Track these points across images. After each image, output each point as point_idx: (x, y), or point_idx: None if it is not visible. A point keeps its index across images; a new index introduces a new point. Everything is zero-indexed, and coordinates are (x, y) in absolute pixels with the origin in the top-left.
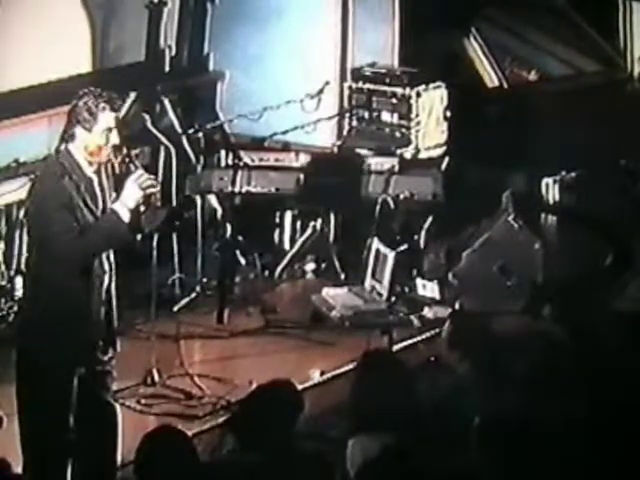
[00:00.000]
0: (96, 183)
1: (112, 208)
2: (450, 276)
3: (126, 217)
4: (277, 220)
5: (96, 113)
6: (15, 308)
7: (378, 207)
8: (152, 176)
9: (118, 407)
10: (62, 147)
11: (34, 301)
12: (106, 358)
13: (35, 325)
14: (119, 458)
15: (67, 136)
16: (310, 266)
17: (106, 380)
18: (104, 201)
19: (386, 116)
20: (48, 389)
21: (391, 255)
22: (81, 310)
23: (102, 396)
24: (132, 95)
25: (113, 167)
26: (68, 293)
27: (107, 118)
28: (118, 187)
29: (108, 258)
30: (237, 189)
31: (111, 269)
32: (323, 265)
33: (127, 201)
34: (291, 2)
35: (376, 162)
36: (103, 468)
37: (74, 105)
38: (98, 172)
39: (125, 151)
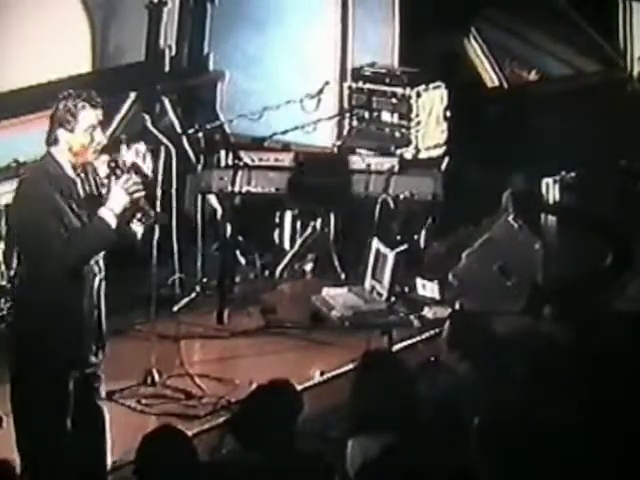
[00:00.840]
0: (80, 186)
1: (99, 214)
2: (450, 276)
3: (113, 222)
4: (277, 220)
5: (76, 113)
6: None
7: (378, 207)
8: (138, 180)
9: (106, 410)
10: (46, 152)
11: (26, 305)
12: (96, 361)
13: (28, 328)
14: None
15: (51, 140)
16: (310, 266)
17: (95, 383)
18: (89, 204)
19: (386, 116)
20: (42, 392)
21: (391, 255)
22: (73, 314)
23: (92, 399)
24: (132, 95)
25: (96, 169)
26: (59, 297)
27: (88, 116)
28: (103, 190)
29: (97, 261)
30: (237, 189)
31: (100, 271)
32: (323, 265)
33: (113, 206)
34: (291, 2)
35: (376, 162)
36: (94, 471)
37: (55, 109)
38: (82, 175)
39: (111, 155)
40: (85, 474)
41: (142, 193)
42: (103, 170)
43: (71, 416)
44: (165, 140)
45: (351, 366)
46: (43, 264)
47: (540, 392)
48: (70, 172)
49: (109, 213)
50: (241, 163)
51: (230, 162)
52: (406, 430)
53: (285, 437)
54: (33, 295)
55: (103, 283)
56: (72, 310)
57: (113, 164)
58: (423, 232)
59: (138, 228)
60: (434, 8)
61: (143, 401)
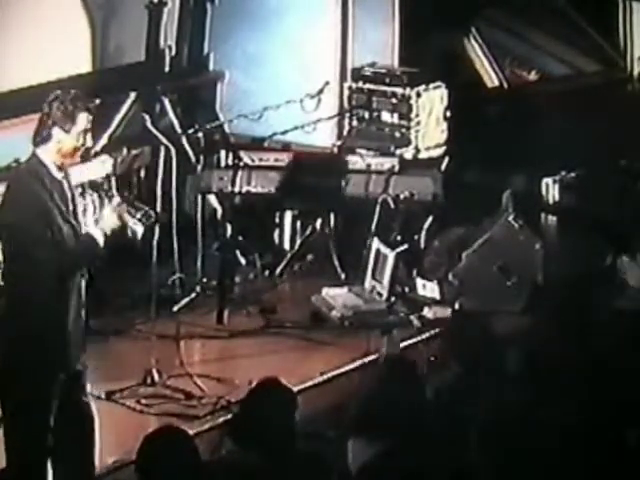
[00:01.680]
0: (66, 187)
1: (90, 234)
2: (450, 276)
3: (102, 241)
4: (277, 220)
5: (75, 114)
6: None
7: (378, 207)
8: (126, 205)
9: (94, 406)
10: (31, 154)
11: (13, 308)
12: (82, 359)
13: (15, 331)
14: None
15: (40, 138)
16: (310, 266)
17: (82, 380)
18: (74, 205)
19: (386, 116)
20: (32, 393)
21: (391, 255)
22: (60, 317)
23: (79, 396)
24: (132, 95)
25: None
26: (45, 300)
27: (84, 119)
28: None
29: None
30: (237, 189)
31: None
32: (323, 265)
33: (105, 227)
34: (291, 2)
35: (376, 162)
36: (84, 469)
37: (49, 107)
38: (66, 176)
39: (110, 155)
40: (75, 472)
41: (130, 219)
42: (76, 174)
43: (59, 415)
44: (165, 140)
45: (351, 366)
46: (28, 272)
47: (540, 392)
48: (56, 174)
49: (99, 232)
50: (241, 163)
51: (230, 162)
52: (410, 432)
53: (282, 436)
54: (18, 299)
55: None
56: (57, 314)
57: (107, 187)
58: (423, 232)
59: (138, 228)
60: (434, 8)
61: (143, 401)
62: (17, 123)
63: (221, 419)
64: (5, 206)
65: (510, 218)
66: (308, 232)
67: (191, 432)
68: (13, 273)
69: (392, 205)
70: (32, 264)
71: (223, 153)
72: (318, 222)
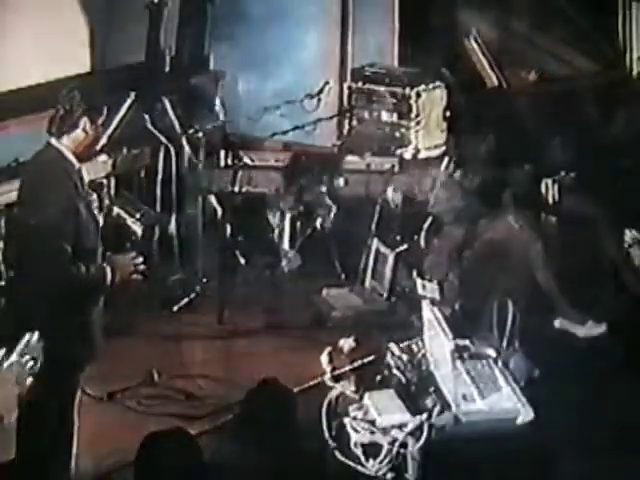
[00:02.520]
0: (85, 179)
1: (103, 267)
2: (450, 276)
3: (108, 280)
4: (277, 220)
5: (103, 106)
6: None
7: (378, 207)
8: (141, 260)
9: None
10: (47, 145)
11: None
12: None
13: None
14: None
15: (64, 129)
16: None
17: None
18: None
19: (386, 116)
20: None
21: (391, 255)
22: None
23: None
24: (132, 95)
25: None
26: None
27: (106, 112)
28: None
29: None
30: (237, 189)
31: None
32: (323, 265)
33: (115, 273)
34: (291, 2)
35: (376, 162)
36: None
37: (71, 97)
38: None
39: (110, 156)
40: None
41: (139, 276)
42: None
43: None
44: (165, 140)
45: (351, 366)
46: (33, 276)
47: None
48: (77, 165)
49: (109, 270)
50: (241, 163)
51: (230, 162)
52: None
53: (283, 436)
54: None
55: None
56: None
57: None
58: (423, 232)
59: (138, 228)
60: (434, 8)
61: (143, 402)
62: (17, 123)
63: (221, 420)
64: (27, 204)
65: (510, 218)
66: (308, 232)
67: (192, 432)
68: (32, 264)
69: (392, 205)
70: (35, 274)
71: (223, 153)
72: (318, 222)
